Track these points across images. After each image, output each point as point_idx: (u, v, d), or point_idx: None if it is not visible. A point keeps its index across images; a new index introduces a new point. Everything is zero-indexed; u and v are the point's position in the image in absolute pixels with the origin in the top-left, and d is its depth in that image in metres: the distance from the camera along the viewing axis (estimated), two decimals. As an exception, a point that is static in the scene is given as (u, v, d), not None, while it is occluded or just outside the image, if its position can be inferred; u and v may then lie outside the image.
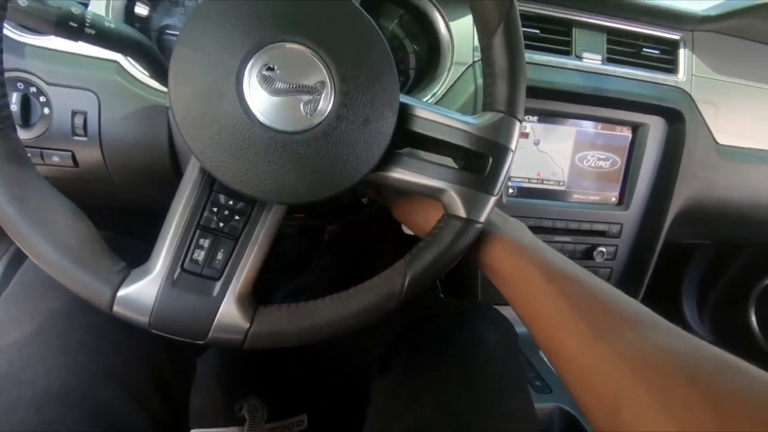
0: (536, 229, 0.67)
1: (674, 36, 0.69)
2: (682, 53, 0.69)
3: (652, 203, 0.71)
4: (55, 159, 0.51)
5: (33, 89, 0.49)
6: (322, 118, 0.33)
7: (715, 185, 0.72)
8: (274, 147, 0.33)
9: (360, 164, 0.35)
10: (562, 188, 0.69)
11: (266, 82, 0.32)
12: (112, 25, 0.41)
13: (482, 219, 0.37)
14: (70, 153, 0.51)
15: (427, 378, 0.45)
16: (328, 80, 0.33)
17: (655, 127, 0.69)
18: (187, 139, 0.32)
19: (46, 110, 0.50)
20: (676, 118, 0.68)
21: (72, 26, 0.39)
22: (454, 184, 0.37)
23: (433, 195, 0.38)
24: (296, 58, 0.32)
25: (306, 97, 0.33)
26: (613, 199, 0.72)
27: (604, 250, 0.70)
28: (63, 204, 0.32)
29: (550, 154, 0.67)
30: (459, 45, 0.59)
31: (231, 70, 0.31)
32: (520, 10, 0.61)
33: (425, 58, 0.67)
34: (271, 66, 0.32)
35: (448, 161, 0.40)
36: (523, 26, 0.61)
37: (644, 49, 0.67)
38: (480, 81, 0.59)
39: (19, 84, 0.49)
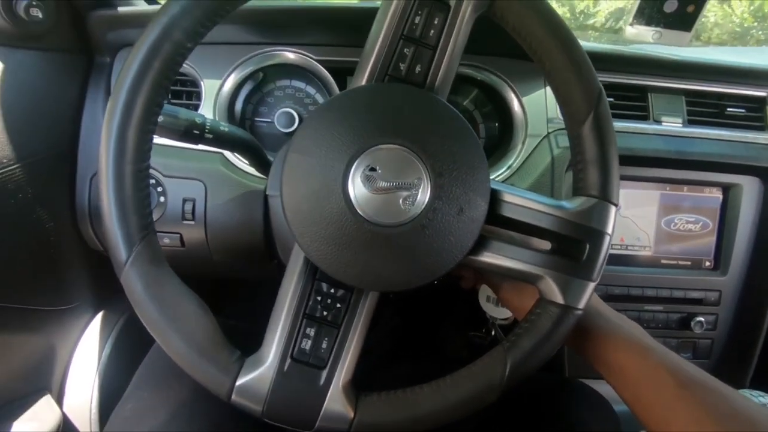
0: (624, 298, 0.64)
1: (760, 93, 0.66)
2: (772, 110, 0.66)
3: (754, 268, 0.66)
4: (166, 241, 0.57)
5: (152, 181, 0.56)
6: (419, 211, 0.35)
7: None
8: (374, 239, 0.35)
9: (454, 252, 0.36)
10: (649, 253, 0.66)
11: (369, 181, 0.35)
12: (227, 129, 0.47)
13: (581, 305, 0.37)
14: (178, 235, 0.57)
15: None
16: (424, 176, 0.35)
17: (750, 187, 0.65)
18: (297, 235, 0.35)
19: (162, 198, 0.56)
20: (773, 178, 0.64)
21: (195, 133, 0.45)
22: (551, 270, 0.37)
23: (527, 280, 0.38)
24: (395, 158, 0.35)
25: (405, 193, 0.35)
26: (708, 264, 0.67)
27: (702, 319, 0.65)
28: (192, 299, 0.36)
29: (632, 218, 0.65)
30: (532, 119, 0.61)
31: (338, 173, 0.34)
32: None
33: (496, 129, 0.69)
34: (374, 167, 0.35)
35: (538, 240, 0.40)
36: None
37: (728, 109, 0.65)
38: (556, 151, 0.60)
39: (141, 177, 0.56)
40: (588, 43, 0.71)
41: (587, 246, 0.36)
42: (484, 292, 0.59)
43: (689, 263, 0.67)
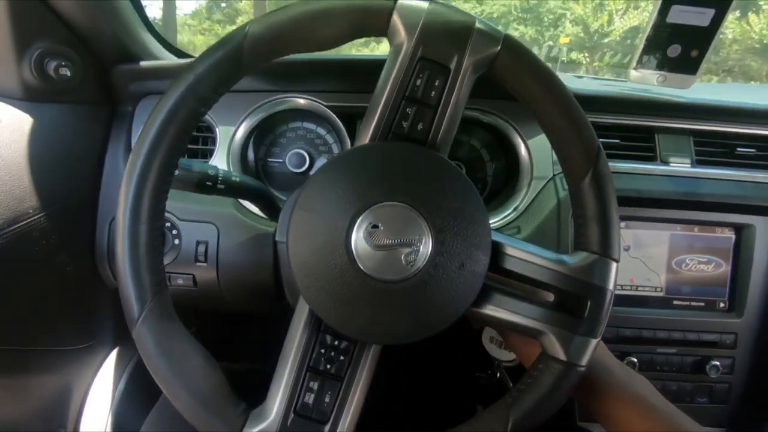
0: (636, 340, 0.63)
1: (770, 132, 0.65)
2: (783, 148, 0.65)
3: (771, 310, 0.64)
4: (179, 281, 0.59)
5: (168, 224, 0.58)
6: (421, 267, 0.36)
7: None
8: (376, 295, 0.36)
9: (457, 306, 0.36)
10: (660, 294, 0.65)
11: (371, 237, 0.36)
12: (238, 179, 0.49)
13: (584, 362, 0.36)
14: (191, 276, 0.59)
15: None
16: (425, 232, 0.36)
17: (764, 228, 0.64)
18: (302, 289, 0.37)
19: (177, 241, 0.58)
20: (787, 218, 0.63)
21: (208, 185, 0.47)
22: (551, 325, 0.37)
23: (529, 334, 0.38)
24: (397, 215, 0.36)
25: (406, 249, 0.36)
26: (722, 305, 0.66)
27: (718, 363, 0.63)
28: (199, 352, 0.37)
29: (642, 259, 0.64)
30: (538, 161, 0.61)
31: (342, 229, 0.36)
32: (597, 122, 0.64)
33: (504, 170, 0.70)
34: (376, 224, 0.36)
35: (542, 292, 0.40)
36: (603, 136, 0.64)
37: (738, 149, 0.64)
38: (562, 194, 0.60)
39: (159, 221, 0.58)
40: (593, 87, 0.72)
41: (588, 302, 0.37)
42: (488, 332, 0.59)
43: (703, 304, 0.65)
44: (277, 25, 0.36)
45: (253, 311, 0.62)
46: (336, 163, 0.38)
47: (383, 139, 0.39)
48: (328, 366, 0.38)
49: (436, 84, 0.38)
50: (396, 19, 0.37)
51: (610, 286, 0.37)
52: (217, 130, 0.62)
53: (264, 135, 0.70)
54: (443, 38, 0.37)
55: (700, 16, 0.55)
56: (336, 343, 0.39)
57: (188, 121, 0.36)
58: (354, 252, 0.35)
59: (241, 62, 0.36)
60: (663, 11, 0.55)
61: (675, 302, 0.65)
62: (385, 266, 0.36)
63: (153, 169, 0.35)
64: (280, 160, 0.71)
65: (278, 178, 0.71)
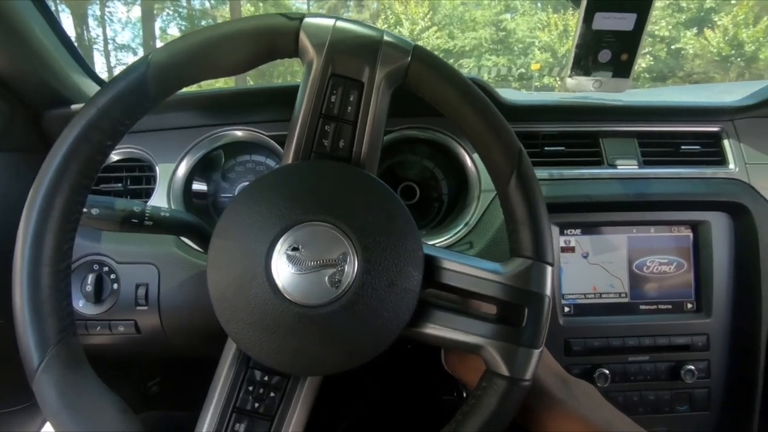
0: (605, 350, 0.61)
1: (713, 128, 0.66)
2: (728, 144, 0.66)
3: (739, 306, 0.63)
4: (121, 329, 0.55)
5: (106, 268, 0.56)
6: (347, 288, 0.34)
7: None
8: (302, 322, 0.33)
9: (390, 327, 0.34)
10: (625, 300, 0.63)
11: (292, 261, 0.34)
12: (167, 214, 0.47)
13: (528, 376, 0.34)
14: (133, 322, 0.55)
15: None
16: (350, 250, 0.34)
17: (719, 223, 0.64)
18: (223, 323, 0.34)
19: (115, 285, 0.55)
20: (741, 212, 0.62)
21: (134, 222, 0.44)
22: (492, 339, 0.35)
23: (470, 351, 0.36)
24: (318, 235, 0.34)
25: (330, 270, 0.34)
26: (690, 306, 0.64)
27: (692, 367, 0.60)
28: (112, 403, 0.34)
29: (603, 265, 0.63)
30: (485, 174, 0.61)
31: (260, 255, 0.34)
32: (542, 131, 0.64)
33: (455, 185, 0.69)
34: (296, 246, 0.34)
35: (486, 305, 0.39)
36: (548, 144, 0.64)
37: (682, 147, 0.65)
38: (512, 205, 0.59)
39: (95, 266, 0.56)
40: (533, 96, 0.73)
41: (526, 310, 0.35)
42: None
43: (670, 307, 0.64)
44: (181, 52, 0.35)
45: (206, 356, 0.59)
46: (253, 187, 0.36)
47: (305, 159, 0.38)
48: (257, 405, 0.35)
49: (351, 99, 0.37)
50: (303, 38, 0.36)
51: (547, 291, 0.35)
52: (156, 168, 0.60)
53: (212, 170, 0.69)
54: (352, 53, 0.37)
55: (623, 21, 0.56)
56: (266, 378, 0.36)
57: (94, 155, 0.34)
58: (275, 278, 0.33)
59: (146, 92, 0.35)
60: (587, 19, 0.56)
61: (641, 307, 0.63)
62: (308, 290, 0.33)
63: (54, 208, 0.33)
64: (231, 195, 0.70)
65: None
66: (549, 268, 0.36)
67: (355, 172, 0.37)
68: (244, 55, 0.37)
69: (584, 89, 0.60)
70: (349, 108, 0.37)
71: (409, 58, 0.36)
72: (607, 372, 0.59)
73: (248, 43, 0.36)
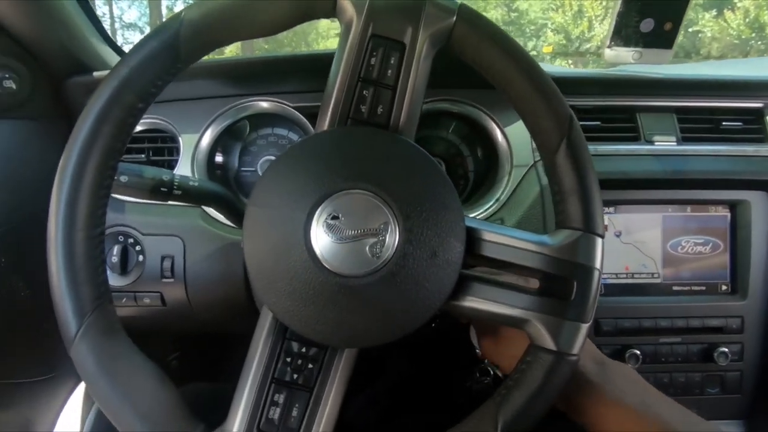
0: (636, 331, 0.59)
1: (756, 104, 0.63)
2: (771, 120, 0.63)
3: (776, 289, 0.61)
4: (147, 301, 0.55)
5: (131, 240, 0.55)
6: (389, 258, 0.32)
7: None
8: (342, 293, 0.32)
9: (432, 299, 0.33)
10: (658, 280, 0.62)
11: (332, 230, 0.32)
12: (196, 184, 0.46)
13: (575, 350, 0.33)
14: (159, 294, 0.55)
15: None
16: (391, 220, 0.33)
17: (759, 203, 0.61)
18: (261, 293, 0.33)
19: (140, 257, 0.55)
20: (782, 191, 0.60)
21: (163, 191, 0.43)
22: (538, 312, 0.34)
23: (515, 325, 0.35)
24: (358, 203, 0.33)
25: (371, 240, 0.33)
26: (724, 288, 0.62)
27: (726, 350, 0.59)
28: (150, 371, 0.33)
29: (636, 244, 0.61)
30: (517, 148, 0.59)
31: (299, 223, 0.32)
32: (576, 105, 0.62)
33: (483, 161, 0.67)
34: (336, 215, 0.33)
35: (528, 279, 0.37)
36: (582, 119, 0.61)
37: (723, 123, 0.62)
38: (545, 181, 0.57)
39: (120, 237, 0.55)
40: (569, 69, 0.70)
41: (575, 284, 0.33)
42: None
43: (704, 288, 0.62)
44: (216, 9, 0.34)
45: (231, 331, 0.58)
46: (290, 154, 0.35)
47: (342, 126, 0.36)
48: (295, 376, 0.34)
49: (392, 62, 0.35)
50: None
51: (597, 264, 0.34)
52: (180, 138, 0.59)
53: (234, 144, 0.67)
54: (394, 12, 0.35)
55: (670, -13, 0.53)
56: (303, 350, 0.35)
57: (125, 118, 0.33)
58: (314, 247, 0.32)
59: (178, 52, 0.33)
60: (631, -15, 0.53)
61: (674, 288, 0.62)
62: (349, 260, 0.32)
63: (87, 172, 0.32)
64: (253, 169, 0.68)
65: (252, 187, 0.68)
66: (599, 240, 0.34)
67: (396, 140, 0.35)
68: (279, 15, 0.35)
69: (624, 61, 0.57)
70: (390, 71, 0.36)
71: (455, 18, 0.34)
72: (638, 353, 0.58)
73: (285, 2, 0.34)
